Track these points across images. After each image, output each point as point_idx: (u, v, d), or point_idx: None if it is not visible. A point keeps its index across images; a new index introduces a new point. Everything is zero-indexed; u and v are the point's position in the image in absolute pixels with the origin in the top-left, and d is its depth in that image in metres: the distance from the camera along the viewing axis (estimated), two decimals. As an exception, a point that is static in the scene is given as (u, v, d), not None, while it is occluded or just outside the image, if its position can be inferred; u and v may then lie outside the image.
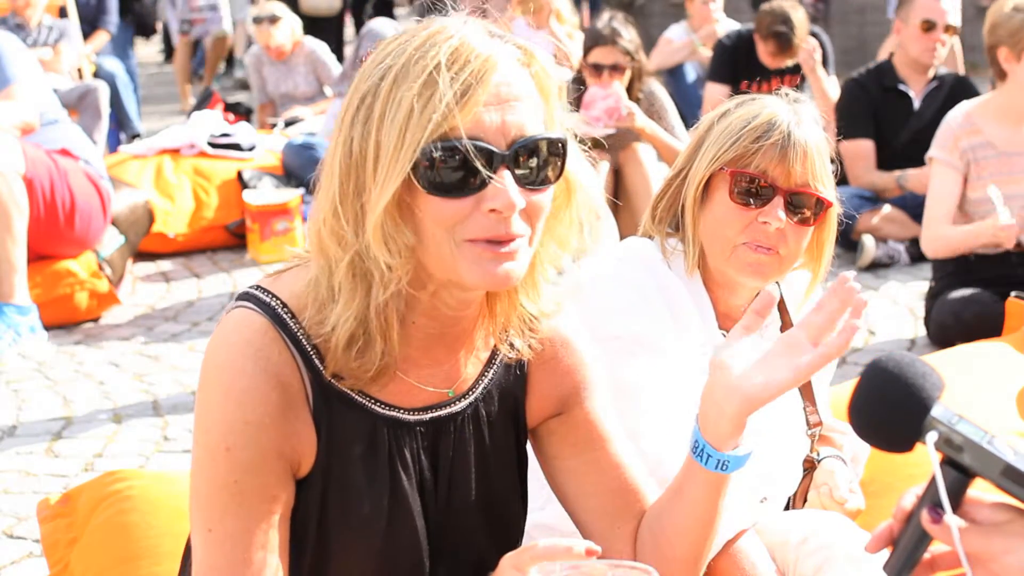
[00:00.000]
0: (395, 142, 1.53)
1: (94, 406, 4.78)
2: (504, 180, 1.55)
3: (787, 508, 2.59)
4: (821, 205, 2.36)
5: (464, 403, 1.78)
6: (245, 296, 1.69)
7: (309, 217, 1.68)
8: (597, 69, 5.88)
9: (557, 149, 1.60)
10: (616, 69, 5.87)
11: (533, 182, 1.58)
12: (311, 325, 1.65)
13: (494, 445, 1.82)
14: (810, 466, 2.57)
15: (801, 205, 2.35)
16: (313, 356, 1.66)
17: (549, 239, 1.68)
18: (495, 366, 1.82)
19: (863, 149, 6.34)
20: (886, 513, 2.69)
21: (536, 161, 1.58)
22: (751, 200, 2.34)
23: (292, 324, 1.66)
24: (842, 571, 2.25)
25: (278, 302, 1.67)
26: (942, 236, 4.92)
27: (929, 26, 6.14)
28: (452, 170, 1.53)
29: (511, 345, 1.78)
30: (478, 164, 1.53)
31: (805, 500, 2.57)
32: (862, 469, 2.74)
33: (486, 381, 1.81)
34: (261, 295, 1.68)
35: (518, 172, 1.56)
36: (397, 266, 1.57)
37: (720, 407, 1.71)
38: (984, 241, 4.83)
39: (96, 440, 4.45)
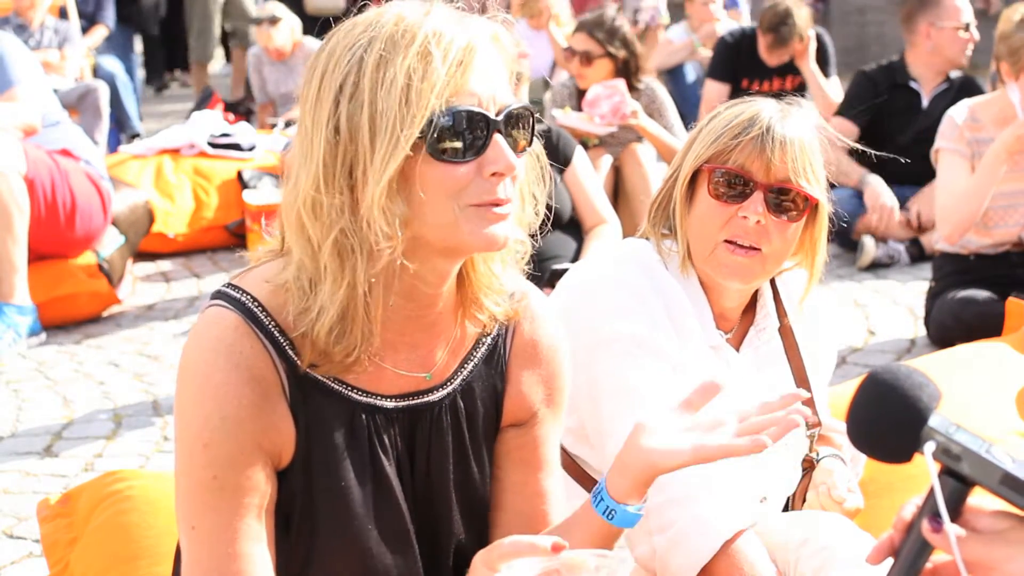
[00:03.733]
0: (396, 112, 1.56)
1: (94, 406, 4.79)
2: (501, 144, 1.62)
3: (786, 508, 2.59)
4: (807, 201, 2.36)
5: (442, 393, 1.80)
6: (217, 295, 1.72)
7: (282, 205, 1.70)
8: (572, 53, 6.00)
9: (530, 118, 1.67)
10: (586, 58, 5.93)
11: (515, 148, 1.65)
12: (294, 315, 1.67)
13: (472, 438, 1.84)
14: (809, 466, 2.57)
15: (784, 200, 2.34)
16: (287, 348, 1.68)
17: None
18: (476, 360, 1.83)
19: (846, 130, 6.36)
20: (886, 513, 2.70)
21: (517, 129, 1.65)
22: (730, 195, 2.35)
23: (264, 318, 1.68)
24: (842, 573, 2.25)
25: (248, 297, 1.69)
26: (960, 196, 4.77)
27: (966, 27, 6.28)
28: (455, 136, 1.59)
29: (489, 316, 1.81)
30: (479, 129, 1.60)
31: (804, 500, 2.57)
32: (862, 469, 2.75)
33: (465, 373, 1.82)
34: (232, 292, 1.70)
35: (507, 138, 1.63)
36: (394, 235, 1.60)
37: (626, 464, 1.74)
38: (1002, 157, 4.66)
39: (96, 440, 4.45)
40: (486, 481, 1.87)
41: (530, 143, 1.69)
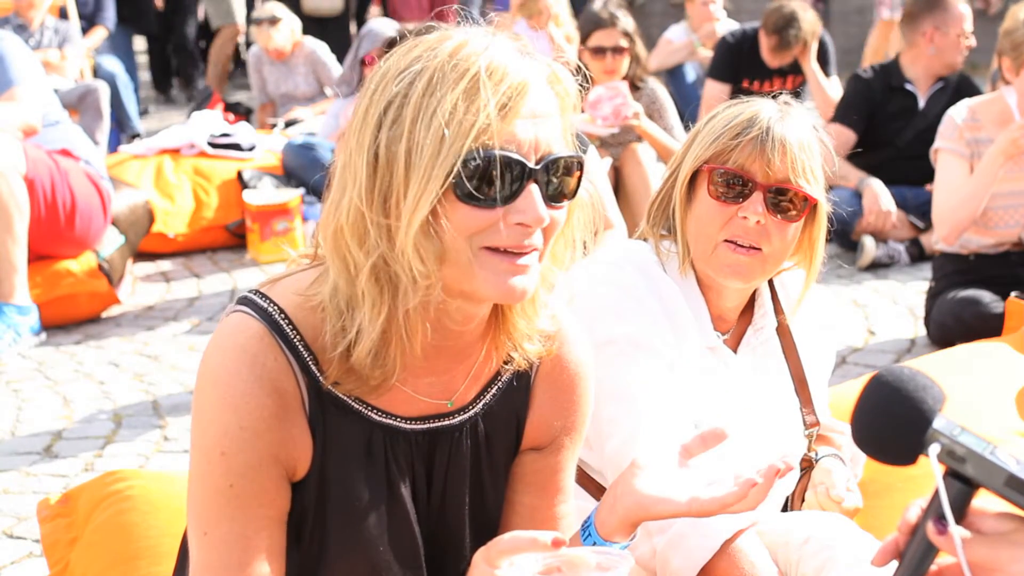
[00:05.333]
0: (432, 148, 1.52)
1: (94, 406, 4.78)
2: (533, 194, 1.56)
3: (785, 508, 2.59)
4: (806, 201, 2.36)
5: (463, 417, 1.78)
6: (243, 300, 1.69)
7: (321, 222, 1.66)
8: (599, 52, 5.93)
9: (576, 168, 1.61)
10: (617, 51, 5.92)
11: (554, 198, 1.59)
12: (330, 335, 1.64)
13: (491, 462, 1.82)
14: (808, 465, 2.57)
15: (783, 200, 2.35)
16: (310, 363, 1.66)
17: (547, 257, 1.67)
18: (499, 384, 1.81)
19: (841, 134, 6.37)
20: (886, 513, 2.69)
21: (557, 178, 1.59)
22: (730, 195, 2.35)
23: (289, 331, 1.66)
24: (844, 572, 2.26)
25: (275, 308, 1.67)
26: (958, 200, 4.79)
27: (967, 35, 6.33)
28: (486, 179, 1.53)
29: (521, 354, 1.76)
30: (513, 176, 1.54)
31: (803, 500, 2.57)
32: (861, 470, 2.75)
33: (488, 397, 1.80)
34: (259, 300, 1.68)
35: (543, 188, 1.58)
36: (430, 273, 1.56)
37: (616, 501, 1.73)
38: (999, 160, 4.68)
39: (96, 440, 4.45)
40: (500, 505, 1.85)
41: (574, 193, 1.62)
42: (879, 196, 6.24)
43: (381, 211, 1.57)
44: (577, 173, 1.61)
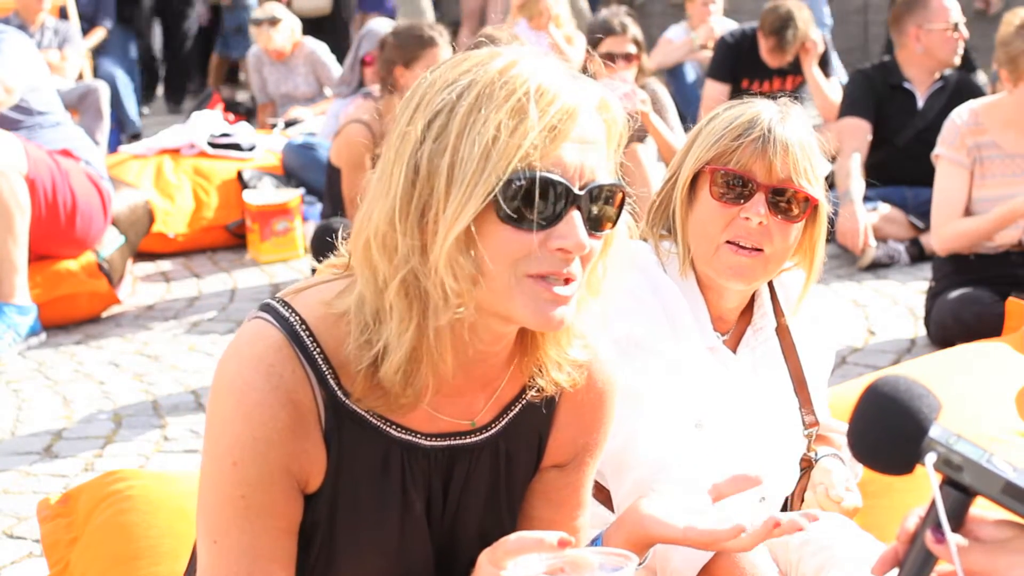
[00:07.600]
0: (477, 164, 1.49)
1: (94, 406, 4.79)
2: (575, 220, 1.54)
3: (785, 508, 2.59)
4: (807, 202, 2.36)
5: (484, 436, 1.75)
6: (265, 307, 1.67)
7: (354, 231, 1.64)
8: (609, 59, 5.95)
9: (618, 198, 1.60)
10: (628, 58, 5.97)
11: (594, 226, 1.57)
12: (353, 347, 1.61)
13: (510, 480, 1.80)
14: (808, 466, 2.57)
15: (785, 201, 2.35)
16: (329, 376, 1.64)
17: (583, 287, 1.64)
18: (521, 404, 1.78)
19: (858, 126, 6.32)
20: (886, 513, 2.69)
21: (599, 207, 1.57)
22: (732, 196, 2.35)
23: (309, 343, 1.63)
24: (844, 572, 2.26)
25: (297, 318, 1.64)
26: (959, 230, 4.83)
27: (955, 27, 6.26)
28: (528, 201, 1.51)
29: (549, 381, 1.74)
30: (556, 200, 1.52)
31: (803, 500, 2.57)
32: (861, 469, 2.74)
33: (510, 417, 1.77)
34: (281, 309, 1.65)
35: (585, 215, 1.56)
36: (463, 292, 1.53)
37: (624, 522, 1.79)
38: (1006, 221, 4.71)
39: (96, 440, 4.45)
40: (514, 522, 1.83)
41: (615, 223, 1.60)
42: (855, 215, 6.06)
43: (416, 224, 1.54)
44: (618, 201, 1.59)
